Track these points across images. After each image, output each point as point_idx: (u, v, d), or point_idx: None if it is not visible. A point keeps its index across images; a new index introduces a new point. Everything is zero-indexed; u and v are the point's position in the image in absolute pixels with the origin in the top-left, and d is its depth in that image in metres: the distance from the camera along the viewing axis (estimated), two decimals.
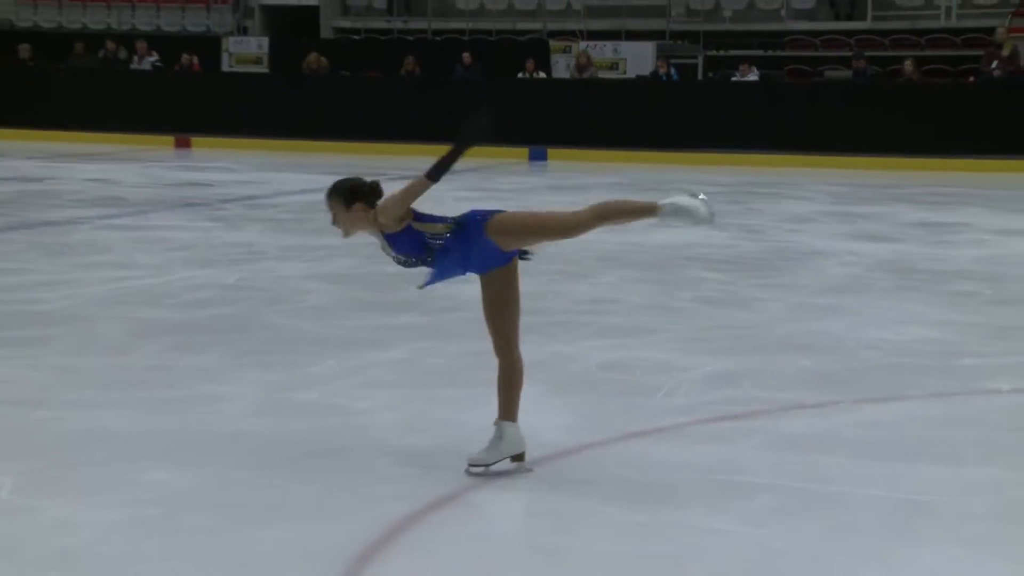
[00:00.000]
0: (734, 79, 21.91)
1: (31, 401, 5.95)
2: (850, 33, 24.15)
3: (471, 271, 5.01)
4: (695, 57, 24.29)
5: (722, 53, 24.41)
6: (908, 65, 20.97)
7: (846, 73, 22.31)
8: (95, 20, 27.75)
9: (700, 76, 23.85)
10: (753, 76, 21.74)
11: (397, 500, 4.70)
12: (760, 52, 24.09)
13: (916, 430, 5.92)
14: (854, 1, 24.76)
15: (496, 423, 5.03)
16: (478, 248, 4.92)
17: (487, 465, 4.96)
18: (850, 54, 22.61)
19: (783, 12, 25.00)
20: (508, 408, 5.05)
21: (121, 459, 5.14)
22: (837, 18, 24.93)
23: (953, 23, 23.86)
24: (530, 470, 5.02)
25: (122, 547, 4.27)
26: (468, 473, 4.94)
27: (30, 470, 4.97)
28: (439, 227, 4.93)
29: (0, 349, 6.99)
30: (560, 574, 4.16)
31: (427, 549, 4.33)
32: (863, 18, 24.51)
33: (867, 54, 22.24)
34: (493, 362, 6.90)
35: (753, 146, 20.17)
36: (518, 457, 5.03)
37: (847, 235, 12.45)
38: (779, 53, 24.21)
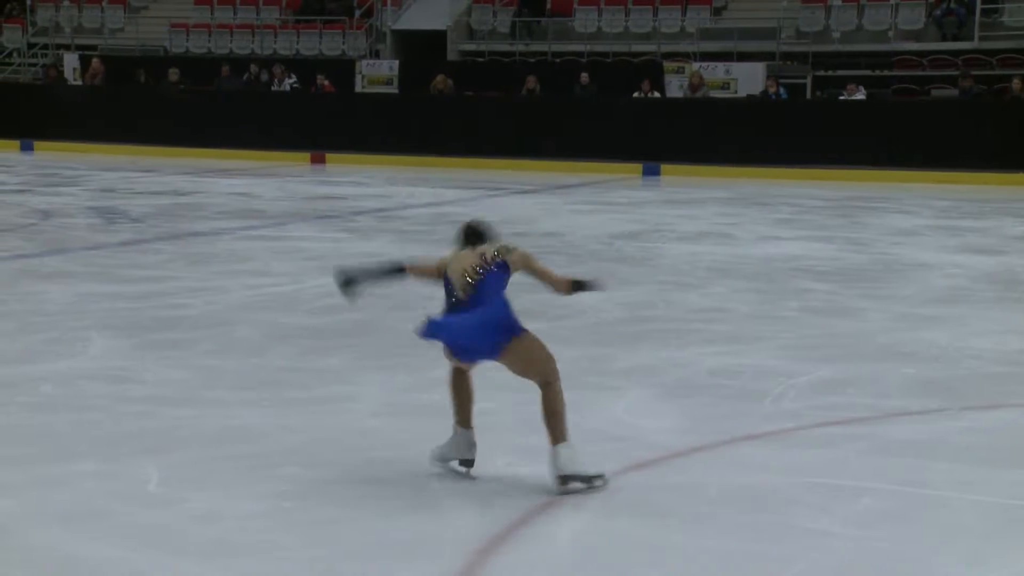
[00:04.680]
0: (841, 98, 21.58)
1: (177, 399, 6.08)
2: (957, 53, 23.62)
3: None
4: (804, 77, 23.98)
5: (830, 73, 24.06)
6: (1016, 83, 20.43)
7: (952, 92, 21.83)
8: (240, 45, 28.34)
9: (808, 95, 23.54)
10: (860, 95, 21.38)
11: (516, 496, 4.71)
12: (868, 72, 23.69)
13: (1019, 437, 5.77)
14: (961, 22, 24.21)
15: (557, 448, 4.82)
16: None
17: (577, 476, 4.80)
18: (956, 73, 22.11)
19: (891, 33, 24.55)
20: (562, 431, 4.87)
21: (258, 454, 5.22)
22: (944, 39, 24.39)
23: None
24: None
25: (260, 536, 4.34)
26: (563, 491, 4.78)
27: (175, 464, 5.08)
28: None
29: (149, 351, 7.15)
30: (667, 570, 4.13)
31: (544, 543, 4.33)
32: (970, 38, 23.96)
33: (974, 73, 21.73)
34: (606, 368, 6.91)
35: (860, 162, 19.84)
36: (466, 463, 4.96)
37: (952, 248, 12.17)
38: (886, 73, 23.78)
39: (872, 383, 6.62)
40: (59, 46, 29.13)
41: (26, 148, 23.71)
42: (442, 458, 4.95)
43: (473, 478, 4.94)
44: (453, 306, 4.80)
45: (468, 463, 4.96)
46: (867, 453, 5.39)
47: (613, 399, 6.20)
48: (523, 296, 8.91)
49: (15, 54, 29.53)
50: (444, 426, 5.01)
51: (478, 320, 4.73)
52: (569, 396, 6.25)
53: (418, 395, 6.24)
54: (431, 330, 4.71)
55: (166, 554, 4.16)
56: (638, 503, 4.73)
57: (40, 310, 8.28)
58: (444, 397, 6.17)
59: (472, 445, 4.94)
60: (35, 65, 29.08)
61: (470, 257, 4.84)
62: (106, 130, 23.56)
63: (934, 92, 22.67)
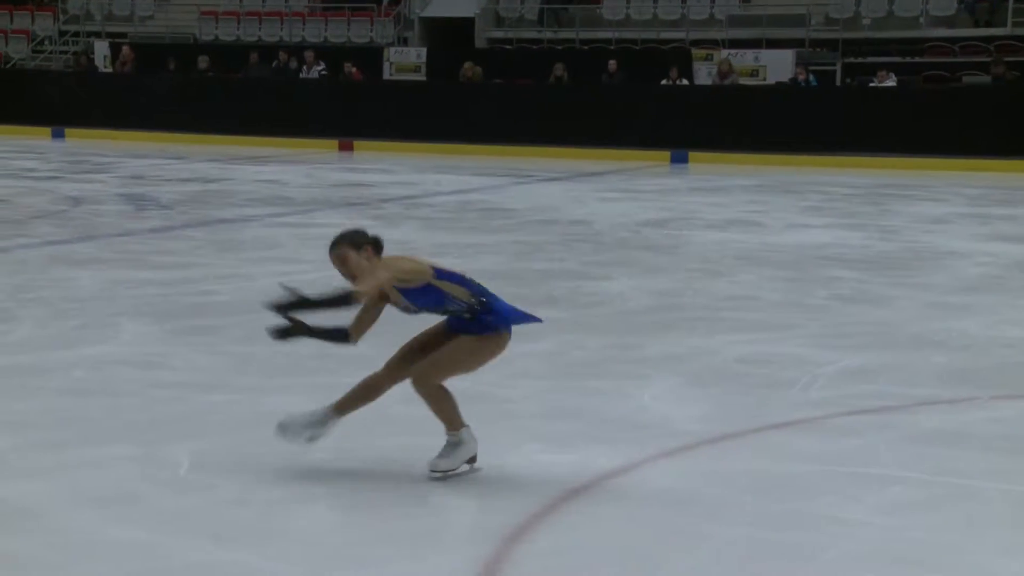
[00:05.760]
0: (872, 85, 21.45)
1: (207, 385, 6.12)
2: (989, 39, 23.42)
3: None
4: (833, 64, 23.84)
5: (860, 60, 23.91)
6: None
7: (984, 79, 21.66)
8: (269, 33, 28.40)
9: (838, 82, 23.40)
10: (890, 82, 21.25)
11: (543, 483, 4.71)
12: (898, 59, 23.53)
13: None
14: (994, 7, 24.00)
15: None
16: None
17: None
18: (989, 60, 21.93)
19: (922, 19, 24.38)
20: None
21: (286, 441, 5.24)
22: (976, 25, 24.19)
23: None
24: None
25: (290, 521, 4.37)
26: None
27: (206, 449, 5.11)
28: (461, 292, 4.66)
29: (180, 337, 7.20)
30: (695, 558, 4.13)
31: (570, 531, 4.34)
32: (1003, 24, 23.75)
33: (1007, 60, 21.54)
34: (633, 356, 6.91)
35: (890, 150, 19.72)
36: (471, 459, 4.81)
37: (983, 236, 12.09)
38: (917, 59, 23.62)
39: (902, 372, 6.59)
40: (90, 34, 29.28)
41: (57, 135, 23.86)
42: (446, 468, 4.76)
43: (500, 466, 4.95)
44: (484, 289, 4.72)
45: (472, 459, 4.80)
46: (897, 442, 5.37)
47: (641, 387, 6.20)
48: (551, 282, 8.95)
49: (46, 42, 29.70)
50: (473, 412, 5.00)
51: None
52: (597, 384, 6.28)
53: (447, 382, 6.24)
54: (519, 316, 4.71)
55: (197, 538, 4.19)
56: (666, 491, 4.73)
57: (71, 296, 8.34)
58: (474, 384, 6.18)
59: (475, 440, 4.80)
60: (66, 53, 29.24)
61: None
62: (136, 117, 23.67)
63: (966, 79, 22.50)
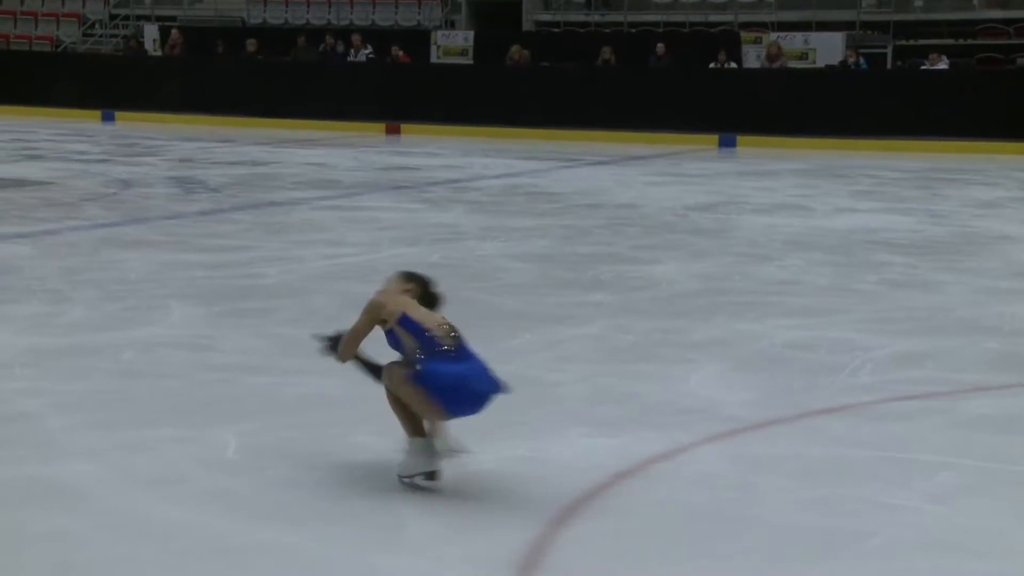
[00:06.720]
0: (923, 68, 21.21)
1: (254, 367, 6.16)
2: None
3: None
4: (885, 47, 23.59)
5: (912, 42, 23.65)
6: None
7: None
8: (317, 16, 28.49)
9: (889, 65, 23.16)
10: (943, 65, 21.00)
11: (588, 468, 4.71)
12: (951, 41, 23.26)
13: None
14: None
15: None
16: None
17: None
18: None
19: (975, 0, 24.06)
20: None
21: (332, 423, 5.28)
22: None
23: None
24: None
25: (334, 503, 4.39)
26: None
27: (253, 431, 5.14)
28: (409, 341, 4.47)
29: (228, 319, 7.25)
30: (741, 543, 4.11)
31: (616, 515, 4.33)
32: None
33: None
34: (680, 340, 6.88)
35: (941, 133, 19.50)
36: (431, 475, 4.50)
37: None
38: (970, 42, 23.32)
39: (952, 357, 6.53)
40: (139, 17, 29.50)
41: (107, 118, 24.08)
42: (405, 473, 4.52)
43: (546, 449, 4.95)
44: (446, 355, 4.45)
45: (431, 475, 4.49)
46: (946, 428, 5.32)
47: (687, 371, 6.18)
48: (598, 266, 8.92)
49: (97, 25, 29.96)
50: (519, 395, 4.99)
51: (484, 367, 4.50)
52: (642, 368, 6.27)
53: (492, 366, 6.24)
54: (497, 385, 4.48)
55: (243, 519, 4.22)
56: (712, 476, 4.71)
57: (121, 278, 8.42)
58: (521, 368, 6.19)
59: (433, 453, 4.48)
60: (116, 36, 29.48)
61: (436, 315, 4.58)
62: (185, 101, 23.84)
63: (1020, 61, 22.21)
